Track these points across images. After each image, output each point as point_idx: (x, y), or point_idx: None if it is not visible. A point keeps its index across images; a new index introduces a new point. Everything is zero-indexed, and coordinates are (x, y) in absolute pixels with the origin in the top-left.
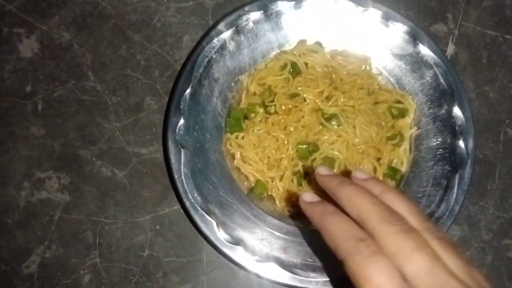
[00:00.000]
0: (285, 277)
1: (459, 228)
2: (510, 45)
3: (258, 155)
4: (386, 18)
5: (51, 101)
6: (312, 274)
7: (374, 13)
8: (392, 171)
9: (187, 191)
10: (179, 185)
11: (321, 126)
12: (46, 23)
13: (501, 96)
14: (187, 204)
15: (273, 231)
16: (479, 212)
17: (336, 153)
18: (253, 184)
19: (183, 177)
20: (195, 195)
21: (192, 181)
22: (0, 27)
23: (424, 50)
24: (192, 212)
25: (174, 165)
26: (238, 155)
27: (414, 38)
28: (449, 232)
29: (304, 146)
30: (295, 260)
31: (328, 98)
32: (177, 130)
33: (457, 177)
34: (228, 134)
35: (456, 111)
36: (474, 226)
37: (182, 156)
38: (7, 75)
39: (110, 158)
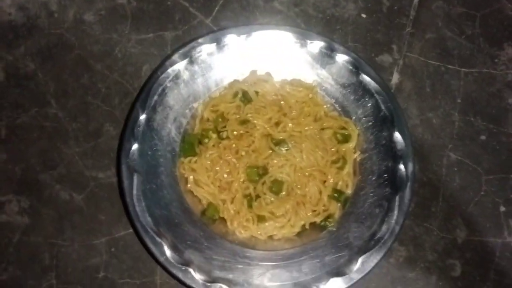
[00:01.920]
0: None
1: (404, 249)
2: (452, 74)
3: (210, 178)
4: (331, 49)
5: (14, 127)
6: None
7: (320, 45)
8: (337, 193)
9: (138, 213)
10: (130, 208)
11: (270, 151)
12: (12, 53)
13: (444, 122)
14: (138, 226)
15: (223, 253)
16: (423, 233)
17: (285, 176)
18: (205, 207)
19: (135, 200)
20: (146, 217)
21: (144, 203)
22: None
23: (366, 79)
24: (143, 234)
25: (126, 189)
26: (191, 179)
27: (356, 68)
28: (395, 252)
29: (254, 170)
30: (241, 280)
31: (277, 124)
32: (130, 155)
33: (397, 198)
34: (182, 159)
35: (396, 136)
36: (419, 247)
37: (135, 180)
38: None
39: (69, 182)
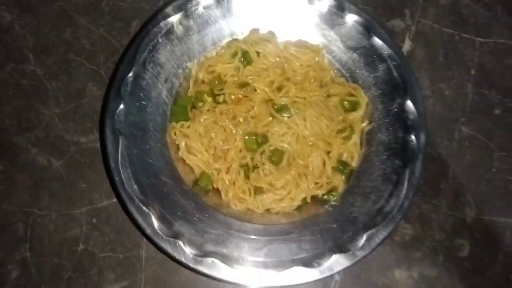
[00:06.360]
0: (224, 273)
1: (411, 227)
2: (467, 43)
3: (204, 145)
4: (341, 8)
5: None
6: (254, 269)
7: (329, 3)
8: (342, 165)
9: (124, 180)
10: (115, 174)
11: (271, 118)
12: None
13: (456, 94)
14: (123, 194)
15: (216, 225)
16: (432, 210)
17: (286, 145)
18: (198, 176)
19: (120, 165)
20: (132, 185)
21: (130, 170)
22: None
23: (378, 42)
24: (128, 203)
25: (110, 153)
26: (183, 145)
27: (368, 30)
28: (401, 230)
29: (253, 138)
30: (236, 255)
31: (279, 89)
32: (115, 116)
33: (407, 172)
34: (173, 123)
35: (409, 105)
36: (427, 226)
37: (120, 143)
38: None
39: (47, 146)
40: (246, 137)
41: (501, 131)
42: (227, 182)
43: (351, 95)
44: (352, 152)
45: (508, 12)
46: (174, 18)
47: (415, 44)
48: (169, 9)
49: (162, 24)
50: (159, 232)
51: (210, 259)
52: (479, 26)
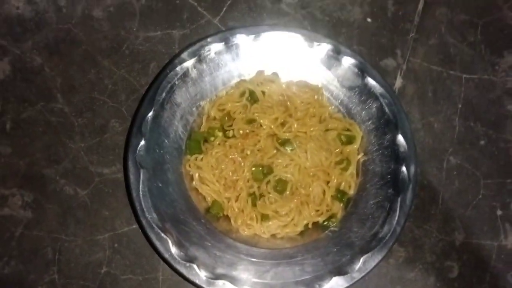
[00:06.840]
0: None
1: (404, 250)
2: (454, 80)
3: (216, 176)
4: (337, 52)
5: (19, 121)
6: None
7: (327, 48)
8: (340, 194)
9: (144, 209)
10: (136, 203)
11: (275, 150)
12: (19, 47)
13: (445, 127)
14: (144, 222)
15: (227, 250)
16: (423, 235)
17: (289, 175)
18: (210, 204)
19: (141, 196)
20: (152, 213)
21: (150, 200)
22: None
23: (371, 82)
24: (148, 230)
25: (133, 184)
26: (196, 176)
27: (362, 71)
28: (395, 253)
29: (259, 169)
30: (244, 277)
31: (282, 124)
32: (137, 151)
33: (399, 200)
34: (188, 156)
35: (400, 139)
36: (419, 249)
37: (141, 176)
38: None
39: (74, 177)
40: (253, 169)
41: (486, 161)
42: (236, 209)
43: (348, 129)
44: (349, 181)
45: (491, 51)
46: (189, 63)
47: (406, 81)
48: (184, 55)
49: (178, 68)
50: (176, 256)
51: (221, 281)
52: (464, 63)
